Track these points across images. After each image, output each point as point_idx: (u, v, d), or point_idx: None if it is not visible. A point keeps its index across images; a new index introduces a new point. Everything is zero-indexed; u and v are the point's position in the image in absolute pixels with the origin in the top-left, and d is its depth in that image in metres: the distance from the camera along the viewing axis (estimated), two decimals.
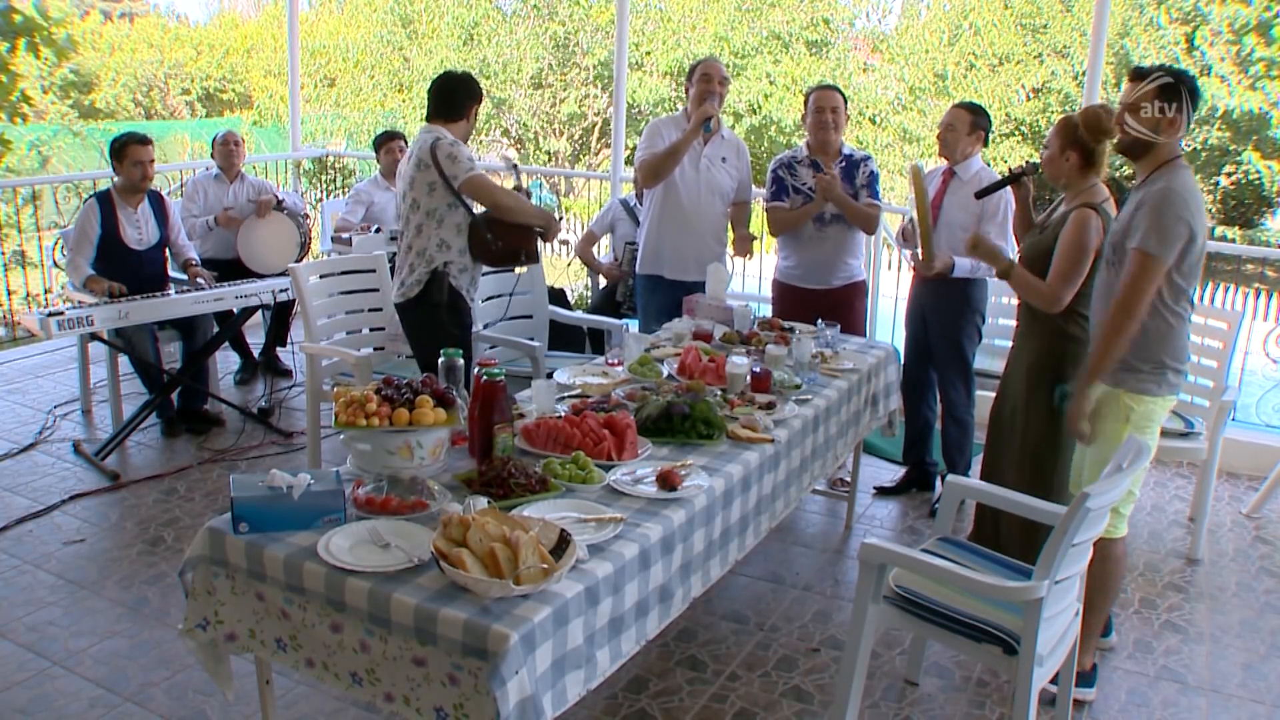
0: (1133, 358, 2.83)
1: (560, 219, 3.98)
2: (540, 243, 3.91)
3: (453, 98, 3.78)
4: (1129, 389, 2.84)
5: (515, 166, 4.20)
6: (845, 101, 4.29)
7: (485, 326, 4.55)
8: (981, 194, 3.72)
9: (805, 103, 4.32)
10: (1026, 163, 3.58)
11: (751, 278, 7.38)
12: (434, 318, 3.75)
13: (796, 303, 4.29)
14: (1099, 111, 3.14)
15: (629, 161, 5.47)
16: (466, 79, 3.85)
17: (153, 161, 4.76)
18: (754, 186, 4.58)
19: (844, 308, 4.27)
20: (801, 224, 4.24)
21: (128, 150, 4.71)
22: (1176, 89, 2.71)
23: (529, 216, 3.82)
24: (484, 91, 3.96)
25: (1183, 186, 2.72)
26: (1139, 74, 2.77)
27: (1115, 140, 2.90)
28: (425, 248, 3.73)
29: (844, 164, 4.23)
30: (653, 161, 4.24)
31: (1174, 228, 2.70)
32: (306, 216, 5.72)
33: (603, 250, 5.81)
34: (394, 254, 5.18)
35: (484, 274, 4.14)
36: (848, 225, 4.26)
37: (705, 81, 4.25)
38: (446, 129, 3.75)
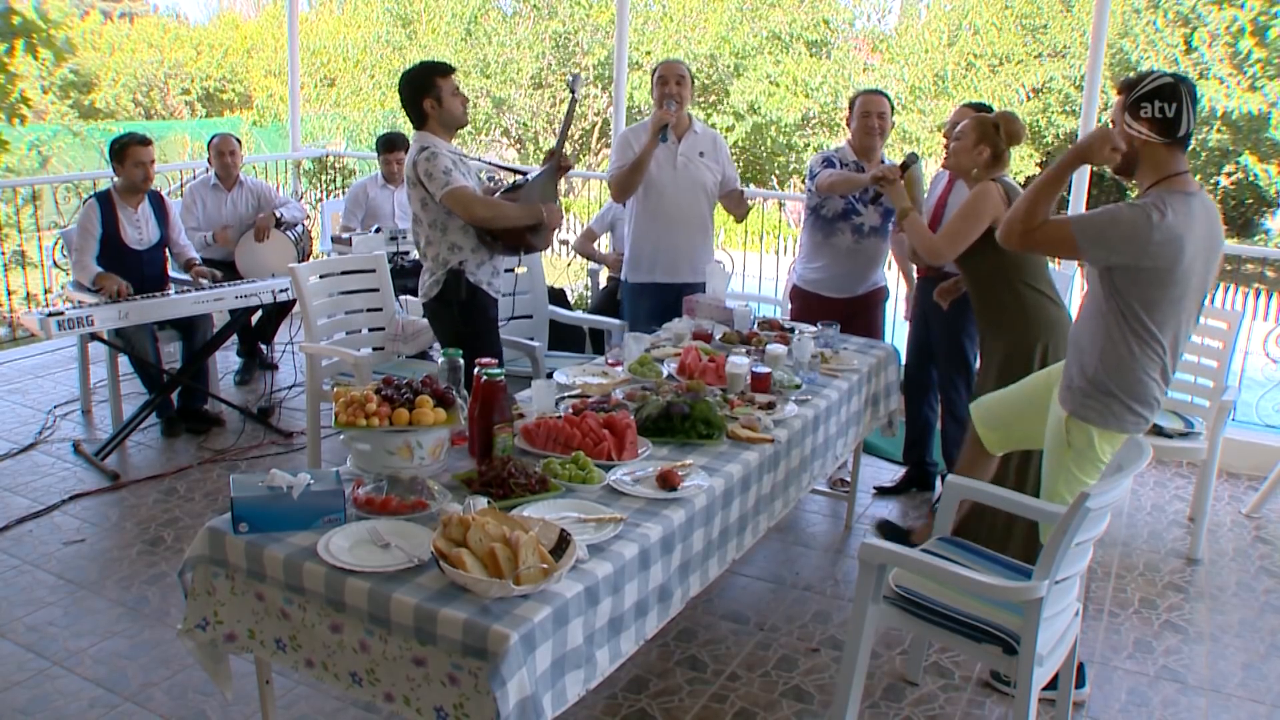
0: (1091, 386, 2.72)
1: (562, 214, 3.92)
2: (545, 233, 3.82)
3: (411, 104, 3.68)
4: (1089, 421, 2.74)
5: (572, 88, 4.00)
6: (891, 108, 4.24)
7: None
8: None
9: (850, 106, 4.29)
10: (909, 154, 3.90)
11: (751, 277, 7.38)
12: (455, 314, 3.76)
13: (819, 311, 4.20)
14: (1015, 118, 3.45)
15: None
16: (408, 78, 3.68)
17: (153, 162, 4.77)
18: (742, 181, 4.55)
19: (866, 314, 4.29)
20: (852, 189, 4.09)
21: (129, 151, 4.71)
22: (1176, 90, 2.52)
23: (511, 220, 3.68)
24: (440, 68, 3.69)
25: (1140, 214, 2.48)
26: (1127, 85, 2.61)
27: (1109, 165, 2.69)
28: (438, 253, 3.73)
29: None
30: (619, 176, 4.29)
31: (1111, 234, 2.53)
32: (307, 217, 5.71)
33: (602, 249, 5.82)
34: (394, 254, 5.21)
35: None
36: (882, 238, 4.26)
37: (662, 84, 4.22)
38: (427, 133, 3.69)
